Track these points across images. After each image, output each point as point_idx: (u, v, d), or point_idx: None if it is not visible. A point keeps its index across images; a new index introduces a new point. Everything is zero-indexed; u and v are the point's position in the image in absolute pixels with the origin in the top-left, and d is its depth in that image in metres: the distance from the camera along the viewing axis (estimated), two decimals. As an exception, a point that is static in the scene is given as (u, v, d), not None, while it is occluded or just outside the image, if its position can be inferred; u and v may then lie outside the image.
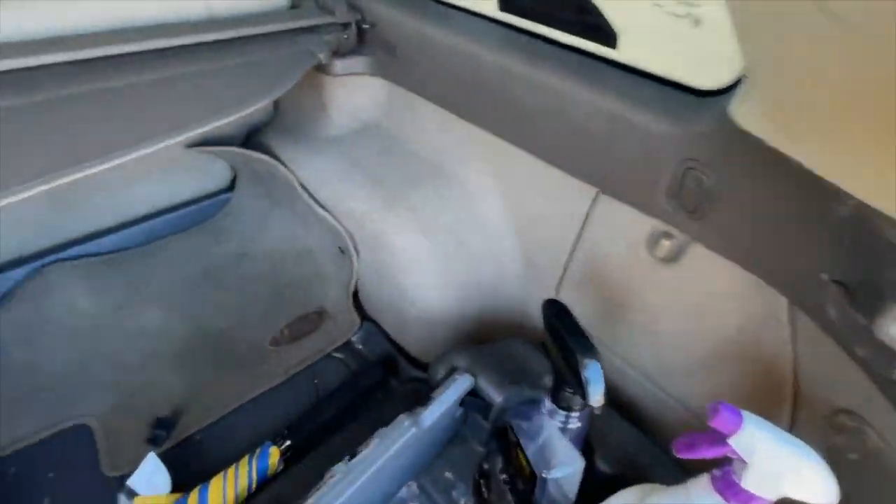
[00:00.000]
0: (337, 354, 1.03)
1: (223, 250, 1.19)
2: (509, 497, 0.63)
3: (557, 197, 0.76)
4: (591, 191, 0.72)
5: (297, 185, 1.00)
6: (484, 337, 0.95)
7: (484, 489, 0.70)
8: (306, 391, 0.96)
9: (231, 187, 1.30)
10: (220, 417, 0.89)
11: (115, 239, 1.14)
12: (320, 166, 0.99)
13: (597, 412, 0.52)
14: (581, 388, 0.51)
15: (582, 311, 0.58)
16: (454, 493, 0.74)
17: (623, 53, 0.71)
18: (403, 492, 0.77)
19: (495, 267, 0.89)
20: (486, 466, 0.72)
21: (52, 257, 1.05)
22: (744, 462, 0.42)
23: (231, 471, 0.75)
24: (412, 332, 0.96)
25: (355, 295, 1.08)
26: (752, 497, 0.43)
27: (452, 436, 0.81)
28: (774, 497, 0.43)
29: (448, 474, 0.79)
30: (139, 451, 0.82)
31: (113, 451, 0.81)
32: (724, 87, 0.59)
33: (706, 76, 0.62)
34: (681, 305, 0.69)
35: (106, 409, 0.87)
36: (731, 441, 0.42)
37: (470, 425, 0.82)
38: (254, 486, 0.76)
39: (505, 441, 0.71)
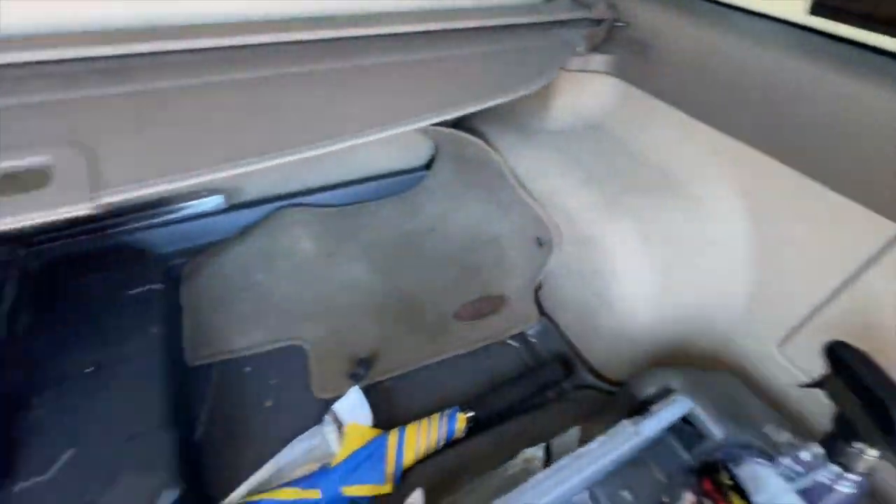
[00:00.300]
0: (512, 342, 1.04)
1: (416, 222, 1.29)
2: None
3: (832, 228, 0.67)
4: (889, 228, 0.61)
5: (507, 173, 1.04)
6: (676, 361, 0.88)
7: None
8: (482, 369, 0.99)
9: (427, 166, 1.40)
10: (406, 371, 0.96)
11: (331, 195, 1.30)
12: (536, 159, 1.01)
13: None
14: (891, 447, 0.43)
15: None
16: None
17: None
18: (578, 496, 0.75)
19: (716, 293, 0.82)
20: (665, 500, 0.66)
21: (287, 202, 1.23)
22: None
23: (424, 423, 0.81)
24: (598, 340, 0.93)
25: (536, 288, 1.09)
26: None
27: (634, 456, 0.77)
28: None
29: (625, 493, 0.75)
30: (340, 383, 0.93)
31: (320, 377, 0.93)
32: None
33: None
34: None
35: (317, 339, 1.00)
36: None
37: (656, 450, 0.77)
38: (441, 443, 0.81)
39: (711, 479, 0.65)
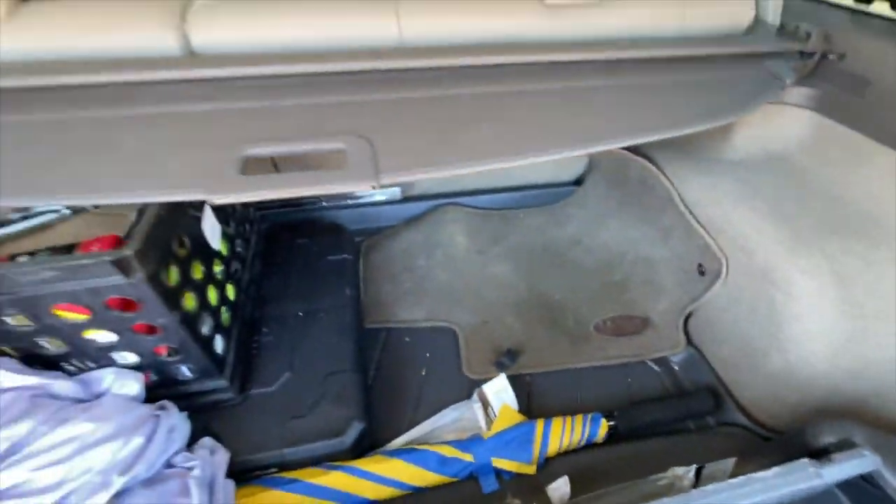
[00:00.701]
0: (653, 365, 1.04)
1: (562, 233, 1.35)
2: None
3: None
4: None
5: (676, 197, 1.04)
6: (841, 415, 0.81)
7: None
8: (621, 384, 1.01)
9: (576, 182, 1.45)
10: (546, 371, 1.02)
11: (485, 199, 1.41)
12: (709, 186, 1.00)
13: None
14: None
15: None
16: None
17: None
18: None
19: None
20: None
21: (448, 200, 1.37)
22: None
23: (569, 420, 0.86)
24: (757, 380, 0.89)
25: (686, 317, 1.07)
26: None
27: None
28: None
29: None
30: (486, 368, 1.02)
31: (469, 359, 1.03)
32: None
33: None
34: None
35: (467, 325, 1.10)
36: None
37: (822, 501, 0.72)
38: (581, 443, 0.85)
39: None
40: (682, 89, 0.83)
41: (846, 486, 0.67)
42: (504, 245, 1.32)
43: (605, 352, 1.06)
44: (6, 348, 0.67)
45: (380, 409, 0.94)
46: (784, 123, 0.97)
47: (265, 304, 0.99)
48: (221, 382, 0.80)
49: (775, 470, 0.60)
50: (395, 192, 1.31)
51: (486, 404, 0.93)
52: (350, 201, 1.25)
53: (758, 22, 0.93)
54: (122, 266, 0.60)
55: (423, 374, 1.02)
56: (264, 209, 1.20)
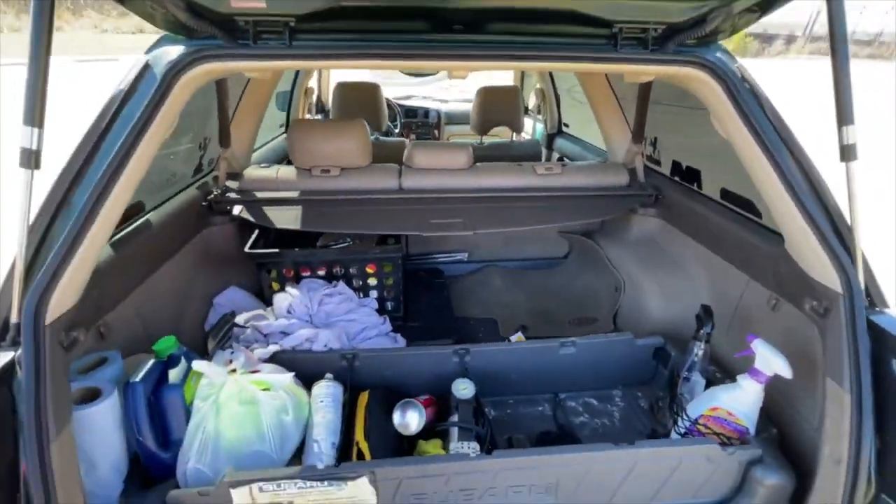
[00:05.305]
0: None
1: (552, 283, 2.45)
2: None
3: None
4: None
5: (608, 261, 2.17)
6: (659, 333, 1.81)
7: None
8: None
9: (564, 257, 2.59)
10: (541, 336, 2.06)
11: (511, 264, 2.55)
12: (620, 253, 2.13)
13: None
14: None
15: None
16: None
17: None
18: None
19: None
20: None
21: (490, 264, 2.52)
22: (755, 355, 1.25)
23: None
24: (639, 327, 1.91)
25: (615, 314, 2.11)
26: (760, 373, 1.24)
27: None
28: (770, 373, 1.22)
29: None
30: (513, 334, 2.07)
31: (503, 326, 2.08)
32: None
33: None
34: None
35: (499, 316, 2.17)
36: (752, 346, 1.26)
37: None
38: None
39: None
40: (593, 206, 2.02)
41: (650, 349, 1.64)
42: (521, 286, 2.43)
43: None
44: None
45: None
46: (648, 223, 2.12)
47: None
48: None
49: (609, 336, 1.62)
50: (464, 255, 2.49)
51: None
52: (441, 258, 2.44)
53: (633, 181, 2.14)
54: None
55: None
56: (408, 259, 2.38)
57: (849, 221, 1.10)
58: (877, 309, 1.10)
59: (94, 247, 1.00)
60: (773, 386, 1.23)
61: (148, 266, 1.52)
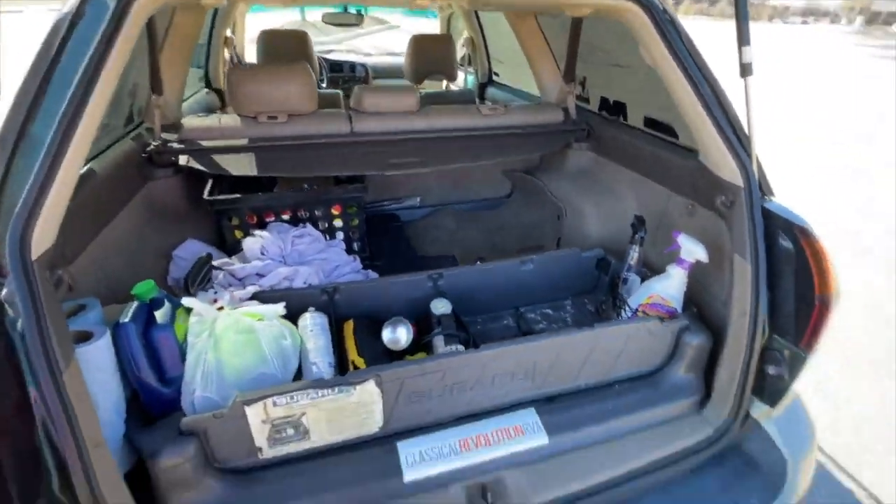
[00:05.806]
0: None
1: (500, 220, 2.64)
2: None
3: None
4: None
5: (549, 193, 2.39)
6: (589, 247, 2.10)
7: None
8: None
9: (507, 196, 2.78)
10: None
11: (461, 206, 2.70)
12: (560, 184, 2.35)
13: None
14: None
15: None
16: None
17: None
18: None
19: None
20: None
21: (443, 207, 2.65)
22: (680, 248, 1.52)
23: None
24: (576, 241, 2.18)
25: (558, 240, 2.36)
26: (684, 261, 1.51)
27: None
28: (692, 259, 1.50)
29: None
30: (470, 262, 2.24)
31: (461, 258, 2.25)
32: None
33: None
34: None
35: (458, 255, 2.33)
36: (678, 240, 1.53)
37: None
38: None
39: None
40: (533, 142, 2.20)
41: (593, 260, 1.91)
42: (473, 224, 2.59)
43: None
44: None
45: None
46: (582, 156, 2.36)
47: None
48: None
49: (560, 251, 1.85)
50: (415, 201, 2.58)
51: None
52: (400, 204, 2.51)
53: (567, 118, 2.34)
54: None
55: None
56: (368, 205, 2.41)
57: (746, 129, 1.37)
58: (766, 198, 1.39)
59: (68, 181, 0.96)
60: (692, 276, 1.52)
61: (99, 219, 1.44)
